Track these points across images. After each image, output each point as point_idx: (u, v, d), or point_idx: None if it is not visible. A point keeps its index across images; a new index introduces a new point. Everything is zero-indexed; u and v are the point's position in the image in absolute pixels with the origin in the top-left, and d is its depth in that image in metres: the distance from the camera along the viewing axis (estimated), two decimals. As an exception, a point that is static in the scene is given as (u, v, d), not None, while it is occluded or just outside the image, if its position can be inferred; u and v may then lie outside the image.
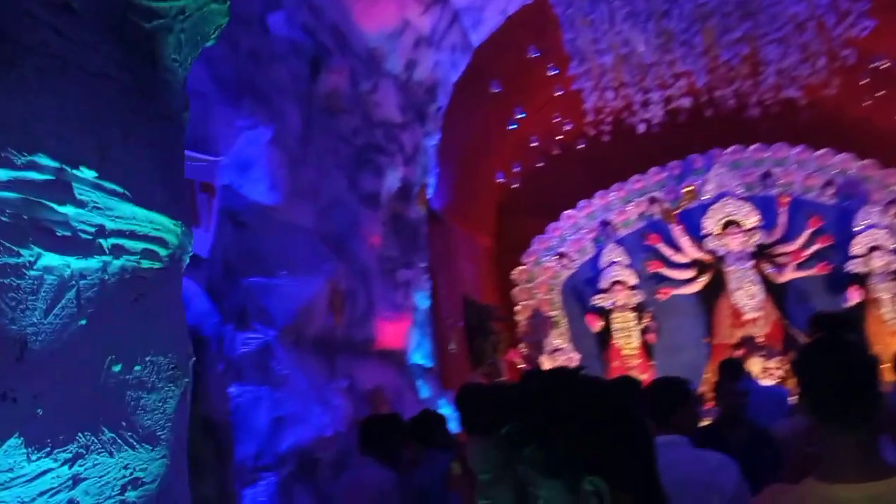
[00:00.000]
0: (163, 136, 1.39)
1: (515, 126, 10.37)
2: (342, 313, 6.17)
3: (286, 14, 6.18)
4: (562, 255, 11.05)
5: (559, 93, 9.93)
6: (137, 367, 1.37)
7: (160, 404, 1.41)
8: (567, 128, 10.22)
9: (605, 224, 10.96)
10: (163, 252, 1.40)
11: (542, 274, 11.08)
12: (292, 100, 6.29)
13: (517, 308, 11.01)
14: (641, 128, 9.50)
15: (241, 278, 5.26)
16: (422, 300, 8.16)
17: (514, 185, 10.95)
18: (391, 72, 8.36)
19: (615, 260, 10.43)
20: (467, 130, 10.16)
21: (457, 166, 10.14)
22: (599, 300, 10.35)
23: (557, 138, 10.47)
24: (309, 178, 6.38)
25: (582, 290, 10.87)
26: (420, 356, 8.03)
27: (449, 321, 9.09)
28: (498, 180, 11.02)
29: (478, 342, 9.51)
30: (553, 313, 10.88)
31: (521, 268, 11.12)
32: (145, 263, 1.37)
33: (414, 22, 8.36)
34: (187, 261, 1.58)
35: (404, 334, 7.49)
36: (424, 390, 7.69)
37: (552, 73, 9.89)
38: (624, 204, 11.04)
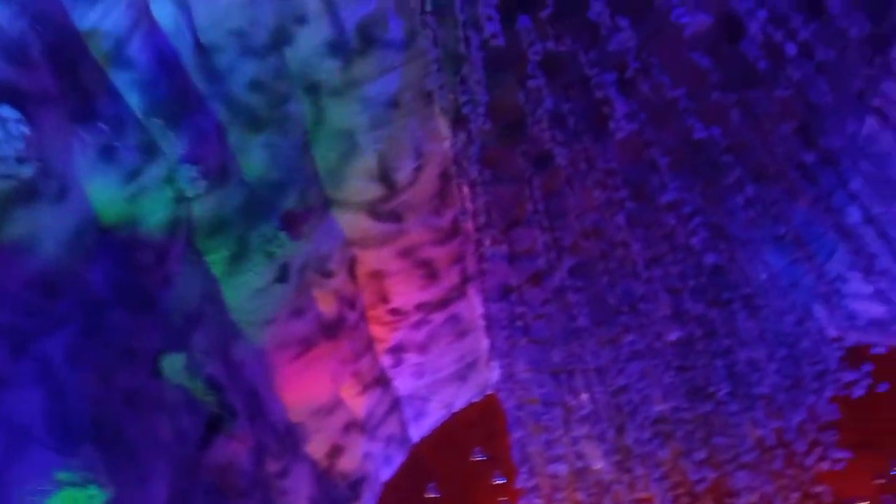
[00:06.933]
0: None
1: (454, 543, 8.69)
2: None
3: (187, 357, 5.20)
4: None
5: (506, 506, 8.59)
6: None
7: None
8: (516, 549, 8.57)
9: None
10: None
11: None
12: (166, 463, 4.87)
13: None
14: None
15: None
16: None
17: None
18: (310, 455, 7.07)
19: None
20: (394, 543, 8.41)
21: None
22: None
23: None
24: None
25: None
26: None
27: None
28: None
29: None
30: None
31: None
32: None
33: (348, 401, 7.41)
34: None
35: None
36: None
37: (498, 481, 8.72)
38: None
